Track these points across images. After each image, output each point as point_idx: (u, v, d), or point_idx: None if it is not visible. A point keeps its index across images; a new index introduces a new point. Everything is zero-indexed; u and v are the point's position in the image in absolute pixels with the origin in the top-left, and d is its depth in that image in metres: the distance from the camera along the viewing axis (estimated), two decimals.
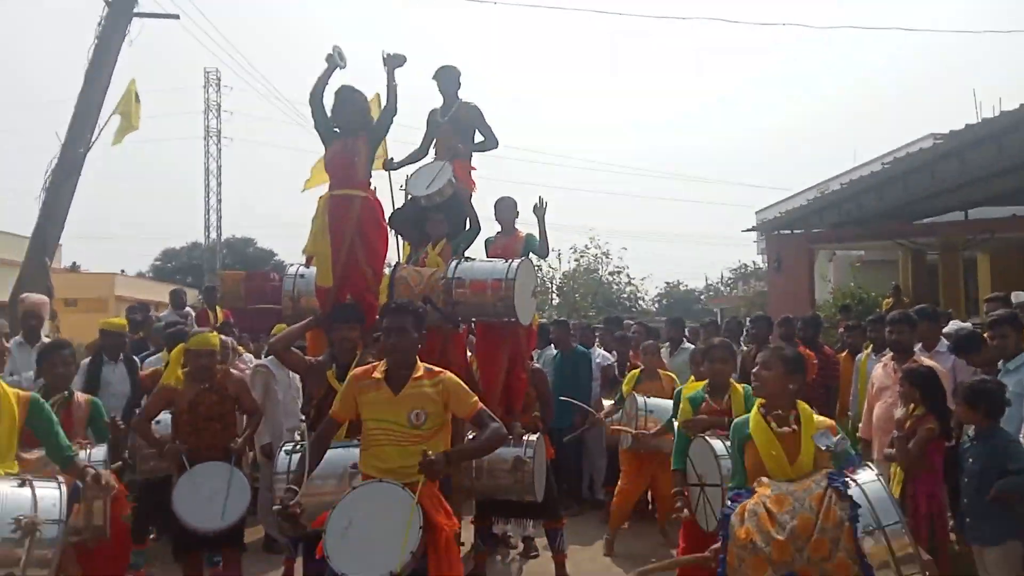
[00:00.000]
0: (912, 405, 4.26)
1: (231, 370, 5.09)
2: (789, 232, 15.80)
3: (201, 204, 32.74)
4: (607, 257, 29.22)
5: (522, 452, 5.05)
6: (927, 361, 4.85)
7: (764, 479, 3.14)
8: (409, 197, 5.75)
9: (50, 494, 2.85)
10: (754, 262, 39.15)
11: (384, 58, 4.80)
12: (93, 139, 7.79)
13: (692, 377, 5.35)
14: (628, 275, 31.11)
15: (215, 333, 4.95)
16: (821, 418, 3.39)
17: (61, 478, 3.09)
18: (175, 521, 4.44)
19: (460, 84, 5.98)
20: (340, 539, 3.04)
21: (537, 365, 5.92)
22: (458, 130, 5.88)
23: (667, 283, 51.36)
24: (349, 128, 4.61)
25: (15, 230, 20.23)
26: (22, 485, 2.84)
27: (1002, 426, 3.93)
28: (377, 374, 3.35)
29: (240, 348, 6.88)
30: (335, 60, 4.64)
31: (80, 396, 4.58)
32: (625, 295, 32.58)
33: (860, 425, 5.37)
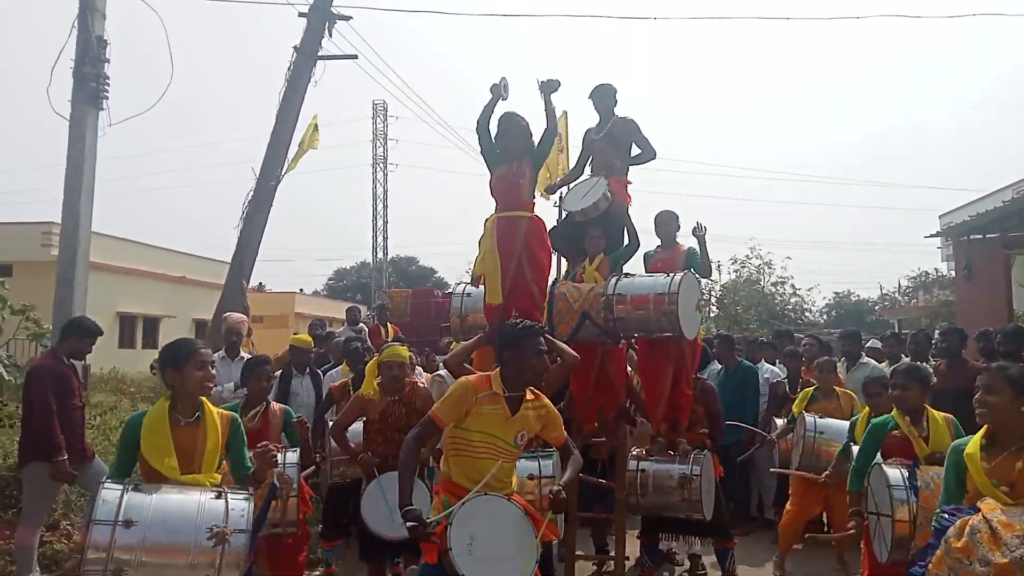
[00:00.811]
0: None
1: (418, 383, 5.32)
2: (982, 236, 14.36)
3: (369, 227, 34.90)
4: (769, 267, 28.03)
5: (688, 469, 4.95)
6: None
7: (990, 499, 2.86)
8: (565, 214, 5.84)
9: (240, 505, 3.12)
10: (936, 270, 36.00)
11: (539, 84, 4.96)
12: (283, 173, 8.58)
13: (866, 408, 4.95)
14: (793, 285, 29.63)
15: (405, 347, 5.22)
16: None
17: (251, 490, 3.38)
18: (362, 525, 4.76)
19: (616, 101, 6.01)
20: (467, 555, 3.08)
21: (706, 380, 5.77)
22: (613, 145, 5.90)
23: (836, 293, 48.44)
24: (513, 152, 4.76)
25: (217, 256, 22.69)
26: (218, 497, 3.11)
27: None
28: (496, 388, 3.39)
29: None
30: (499, 91, 4.82)
31: (275, 405, 5.02)
32: (790, 306, 31.00)
33: None
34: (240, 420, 3.68)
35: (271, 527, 4.33)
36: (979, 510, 2.82)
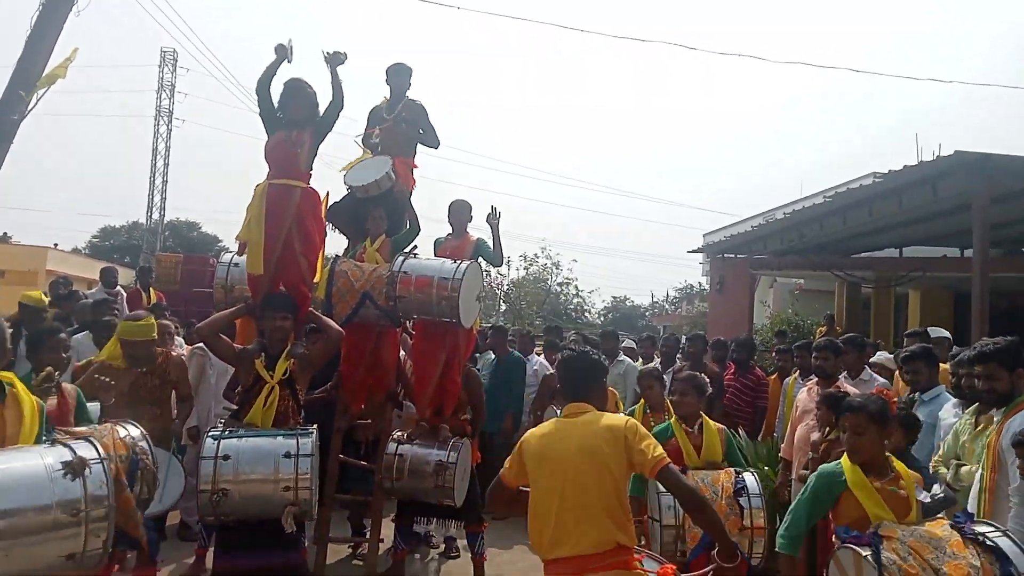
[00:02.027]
0: (828, 428, 4.39)
1: (172, 353, 4.99)
2: (733, 256, 16.14)
3: (146, 183, 31.84)
4: (557, 268, 29.46)
5: (445, 456, 5.03)
6: (849, 388, 5.01)
7: (888, 523, 2.97)
8: (347, 190, 5.71)
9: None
10: (699, 283, 40.03)
11: (325, 56, 4.83)
12: (29, 108, 7.49)
13: (642, 399, 5.27)
14: (577, 287, 31.40)
15: (151, 319, 4.77)
16: (908, 471, 3.30)
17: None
18: None
19: (410, 84, 6.01)
20: None
21: (472, 368, 5.90)
22: (401, 127, 5.88)
23: (614, 298, 52.10)
24: (296, 120, 4.59)
25: None
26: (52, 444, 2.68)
27: (913, 454, 4.09)
28: None
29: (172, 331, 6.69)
30: (285, 52, 4.64)
31: (66, 385, 4.20)
32: (572, 306, 32.83)
33: (783, 445, 5.51)
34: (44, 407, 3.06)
35: None
36: (880, 536, 2.89)
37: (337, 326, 4.50)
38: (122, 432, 3.47)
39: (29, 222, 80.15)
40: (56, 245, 32.07)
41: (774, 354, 7.89)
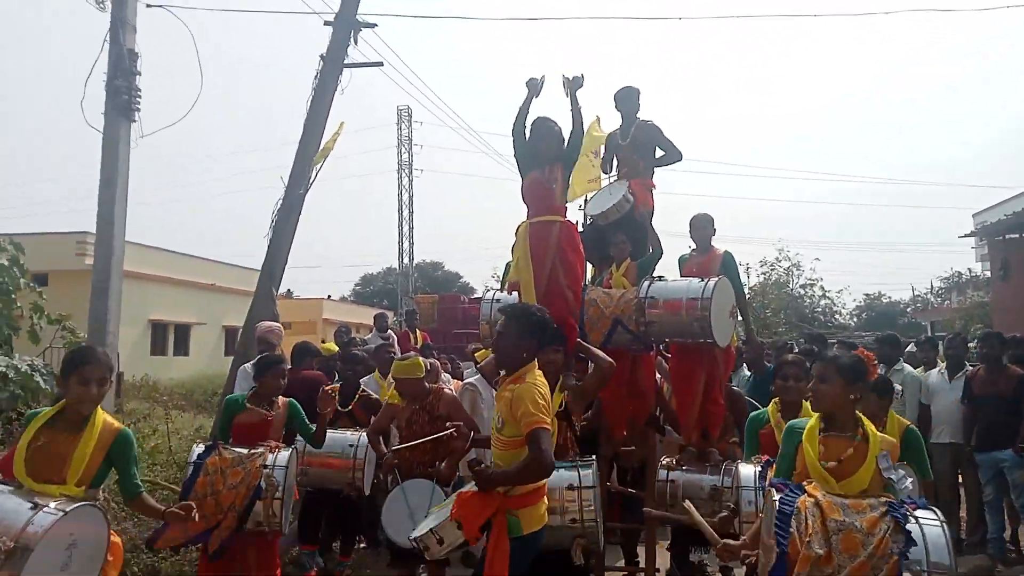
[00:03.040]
0: None
1: (443, 390, 5.28)
2: (1019, 236, 14.03)
3: (395, 232, 35.06)
4: (798, 269, 27.67)
5: (719, 480, 4.86)
6: None
7: (815, 481, 3.03)
8: (589, 219, 5.81)
9: (42, 521, 2.92)
10: (970, 270, 35.34)
11: (564, 82, 4.87)
12: (311, 181, 8.64)
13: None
14: (822, 287, 29.23)
15: (418, 359, 5.20)
16: (885, 436, 3.23)
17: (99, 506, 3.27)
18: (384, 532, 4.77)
19: (639, 105, 5.99)
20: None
21: (736, 388, 5.68)
22: (637, 149, 5.87)
23: (867, 295, 47.70)
24: (545, 157, 4.72)
25: (247, 263, 22.97)
26: (33, 508, 2.97)
27: None
28: None
29: (439, 367, 7.25)
30: (536, 86, 4.76)
31: (280, 399, 4.89)
32: (819, 309, 30.60)
33: None
34: (132, 437, 3.53)
35: (255, 524, 4.37)
36: (804, 490, 2.97)
37: (608, 357, 4.55)
38: (270, 459, 4.37)
39: (304, 279, 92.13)
40: (329, 296, 36.37)
41: None
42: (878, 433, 3.17)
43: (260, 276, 8.72)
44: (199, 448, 4.47)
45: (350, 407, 5.78)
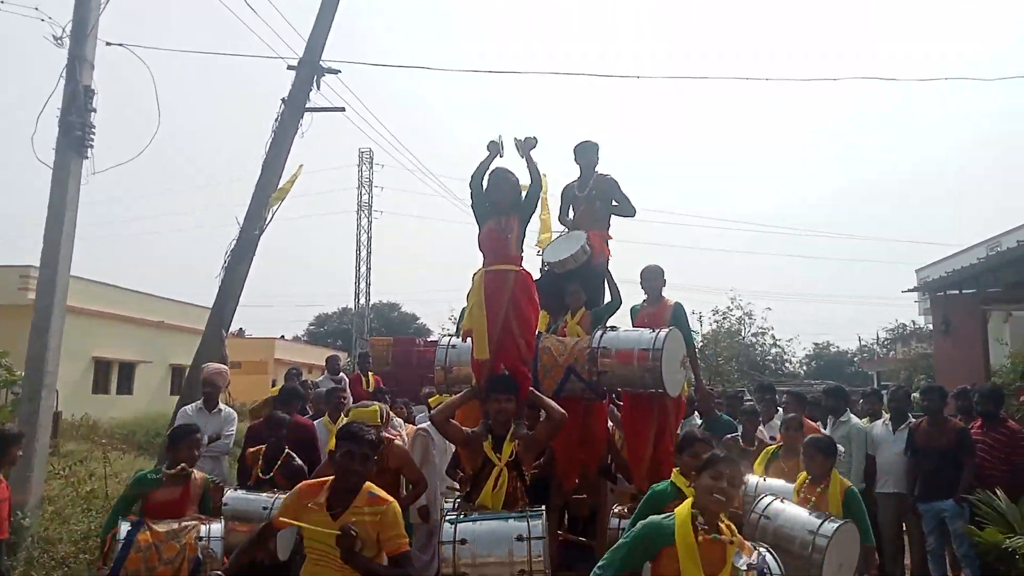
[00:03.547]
0: None
1: (394, 442, 5.20)
2: (958, 292, 14.55)
3: (352, 273, 34.85)
4: (750, 318, 28.20)
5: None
6: None
7: None
8: (545, 267, 5.88)
9: None
10: (914, 322, 36.44)
11: (517, 144, 4.95)
12: (267, 222, 8.59)
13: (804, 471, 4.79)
14: (773, 336, 29.81)
15: (376, 406, 5.12)
16: (733, 529, 3.08)
17: None
18: None
19: (598, 158, 6.14)
20: None
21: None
22: (595, 201, 6.01)
23: (816, 344, 48.71)
24: (502, 207, 4.78)
25: (197, 300, 22.47)
26: None
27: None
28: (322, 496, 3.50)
29: (391, 413, 7.15)
30: (497, 148, 4.85)
31: (197, 474, 4.86)
32: (770, 357, 31.16)
33: None
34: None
35: None
36: None
37: (559, 408, 4.55)
38: (203, 530, 4.31)
39: (257, 317, 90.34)
40: (282, 336, 35.77)
41: (1023, 399, 6.95)
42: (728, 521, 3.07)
43: (210, 317, 8.56)
44: (126, 524, 4.33)
45: (271, 474, 5.40)
